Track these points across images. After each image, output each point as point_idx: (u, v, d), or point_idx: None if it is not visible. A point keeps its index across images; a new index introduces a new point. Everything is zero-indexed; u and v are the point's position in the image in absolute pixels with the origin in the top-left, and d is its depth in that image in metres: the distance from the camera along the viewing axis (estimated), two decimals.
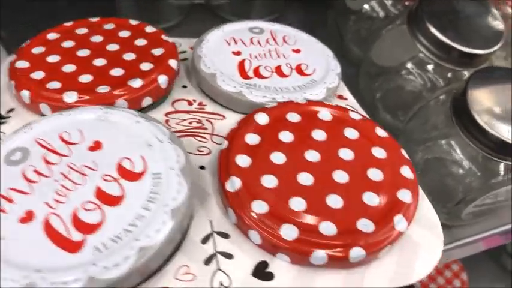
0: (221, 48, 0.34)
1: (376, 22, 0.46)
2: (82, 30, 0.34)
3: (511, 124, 0.33)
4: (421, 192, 0.28)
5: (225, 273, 0.23)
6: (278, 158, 0.26)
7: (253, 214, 0.23)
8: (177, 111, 0.31)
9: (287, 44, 0.36)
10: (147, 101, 0.30)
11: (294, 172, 0.25)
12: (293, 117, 0.29)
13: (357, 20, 0.48)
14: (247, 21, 0.37)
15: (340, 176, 0.25)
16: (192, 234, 0.24)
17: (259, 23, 0.37)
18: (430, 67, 0.40)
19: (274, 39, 0.36)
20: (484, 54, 0.38)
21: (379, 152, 0.27)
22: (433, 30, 0.37)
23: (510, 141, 0.33)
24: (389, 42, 0.44)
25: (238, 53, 0.34)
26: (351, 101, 0.34)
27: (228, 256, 0.23)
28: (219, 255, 0.23)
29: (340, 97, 0.35)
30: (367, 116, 0.32)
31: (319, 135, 0.28)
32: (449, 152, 0.38)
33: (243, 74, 0.32)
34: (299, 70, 0.33)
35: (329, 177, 0.25)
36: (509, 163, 0.35)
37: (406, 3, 0.46)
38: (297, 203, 0.24)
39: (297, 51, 0.35)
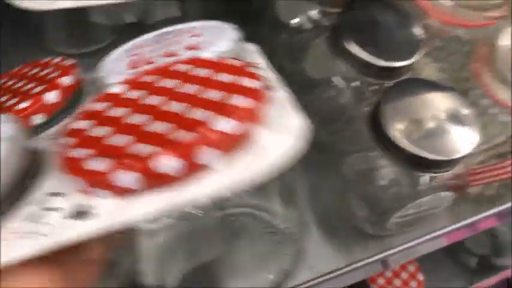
0: (120, 57, 0.34)
1: (305, 35, 0.46)
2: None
3: (424, 136, 0.34)
4: (289, 102, 0.26)
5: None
6: (117, 111, 0.26)
7: (72, 160, 0.24)
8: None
9: (189, 33, 0.35)
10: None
11: (127, 118, 0.25)
12: (147, 78, 0.29)
13: (289, 33, 0.48)
14: (158, 31, 0.37)
15: (175, 107, 0.25)
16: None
17: (169, 28, 0.37)
18: (355, 80, 0.41)
19: (177, 34, 0.36)
20: (404, 66, 0.38)
21: (225, 77, 0.27)
22: (351, 45, 0.37)
23: (422, 156, 0.33)
24: (317, 55, 0.44)
25: (134, 55, 0.34)
26: (261, 64, 0.32)
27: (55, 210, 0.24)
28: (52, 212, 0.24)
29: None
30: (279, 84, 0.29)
31: (167, 83, 0.28)
32: (373, 163, 0.39)
33: (132, 66, 0.32)
34: (193, 47, 0.32)
35: (163, 111, 0.25)
36: (427, 175, 0.35)
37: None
38: (120, 139, 0.24)
39: (196, 35, 0.34)
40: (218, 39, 0.33)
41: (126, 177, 0.22)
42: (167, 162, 0.22)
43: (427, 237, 0.41)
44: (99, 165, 0.23)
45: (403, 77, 0.39)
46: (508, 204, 0.44)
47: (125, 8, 0.52)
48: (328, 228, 0.42)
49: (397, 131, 0.34)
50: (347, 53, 0.38)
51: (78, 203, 0.24)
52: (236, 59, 0.29)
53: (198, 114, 0.24)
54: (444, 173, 0.35)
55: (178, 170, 0.22)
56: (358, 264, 0.41)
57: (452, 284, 0.95)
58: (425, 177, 0.36)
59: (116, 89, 0.28)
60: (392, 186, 0.38)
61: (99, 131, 0.25)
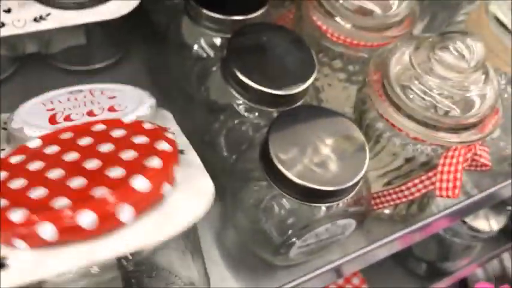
0: (36, 109, 0.35)
1: (209, 61, 0.45)
2: None
3: (313, 166, 0.33)
4: (200, 170, 0.29)
5: None
6: (35, 165, 0.27)
7: None
8: None
9: (104, 94, 0.36)
10: None
11: (45, 172, 0.26)
12: (66, 135, 0.30)
13: (193, 59, 0.47)
14: (68, 88, 0.38)
15: (92, 163, 0.26)
16: None
17: (82, 86, 0.38)
18: (252, 107, 0.40)
19: (92, 93, 0.37)
20: (297, 93, 0.37)
21: (139, 139, 0.28)
22: (239, 74, 0.36)
23: (310, 187, 0.32)
24: (218, 81, 0.43)
25: (51, 109, 0.35)
26: (174, 129, 0.35)
27: None
28: None
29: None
30: (192, 151, 0.32)
31: (84, 141, 0.29)
32: (269, 193, 0.38)
33: (52, 121, 0.33)
34: (111, 109, 0.34)
35: (79, 167, 0.26)
36: (320, 205, 0.34)
37: None
38: (37, 192, 0.25)
39: (113, 97, 0.36)
40: (136, 104, 0.35)
41: (42, 229, 0.23)
42: (83, 217, 0.23)
43: (323, 269, 0.40)
44: (15, 216, 0.23)
45: (299, 103, 0.38)
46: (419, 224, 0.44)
47: (27, 38, 0.50)
48: (235, 263, 0.41)
49: (286, 161, 0.33)
50: (236, 80, 0.37)
51: None
52: (151, 122, 0.30)
53: (114, 172, 0.25)
54: (338, 202, 0.35)
55: (93, 224, 0.23)
56: None
57: None
58: (321, 207, 0.35)
59: (33, 144, 0.29)
60: (290, 217, 0.37)
61: (16, 183, 0.26)
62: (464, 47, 0.35)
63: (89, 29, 0.50)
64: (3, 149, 0.34)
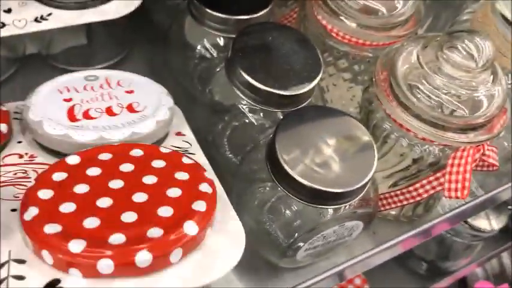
0: (52, 97, 0.35)
1: (213, 62, 0.45)
2: None
3: (319, 168, 0.33)
4: (228, 205, 0.31)
5: None
6: (81, 188, 0.28)
7: (44, 235, 0.25)
8: (5, 165, 0.32)
9: (121, 86, 0.37)
10: None
11: (94, 198, 0.27)
12: (105, 156, 0.31)
13: (198, 59, 0.46)
14: (83, 71, 0.38)
15: (140, 197, 0.28)
16: None
17: (96, 71, 0.38)
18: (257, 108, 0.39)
19: (109, 84, 0.37)
20: (302, 93, 0.37)
21: (181, 175, 0.30)
22: (245, 74, 0.36)
23: (317, 188, 0.32)
24: (222, 82, 0.42)
25: (69, 100, 0.35)
26: (188, 137, 0.37)
27: (20, 278, 0.25)
28: (10, 278, 0.25)
29: (179, 134, 0.37)
30: (201, 153, 0.35)
31: (126, 167, 0.30)
32: (276, 195, 0.37)
33: (72, 117, 0.33)
34: (130, 108, 0.34)
35: (128, 199, 0.28)
36: (326, 207, 0.34)
37: None
38: (91, 222, 0.26)
39: (131, 92, 0.36)
40: (154, 104, 0.35)
41: (102, 264, 0.25)
42: (140, 256, 0.25)
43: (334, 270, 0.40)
44: (75, 246, 0.25)
45: (304, 103, 0.38)
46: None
47: (27, 38, 0.49)
48: (240, 265, 0.40)
49: (292, 162, 0.33)
50: (242, 81, 0.36)
51: (48, 277, 0.25)
52: (187, 156, 0.32)
53: (164, 212, 0.27)
54: (346, 204, 0.34)
55: (147, 263, 0.25)
56: None
57: None
58: (327, 209, 0.35)
59: (72, 160, 0.30)
60: (296, 219, 0.36)
61: (66, 207, 0.27)
62: (472, 46, 0.35)
63: (90, 29, 0.49)
64: (19, 142, 0.34)
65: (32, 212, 0.27)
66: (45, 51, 0.49)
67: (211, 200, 0.29)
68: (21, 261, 0.26)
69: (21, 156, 0.33)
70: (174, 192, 0.29)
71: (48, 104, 0.34)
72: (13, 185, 0.31)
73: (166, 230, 0.26)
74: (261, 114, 0.39)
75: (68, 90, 0.35)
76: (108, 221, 0.26)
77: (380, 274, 0.89)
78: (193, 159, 0.32)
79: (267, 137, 0.38)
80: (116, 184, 0.29)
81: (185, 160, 0.32)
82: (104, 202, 0.27)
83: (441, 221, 0.46)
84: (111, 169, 0.30)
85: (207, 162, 0.34)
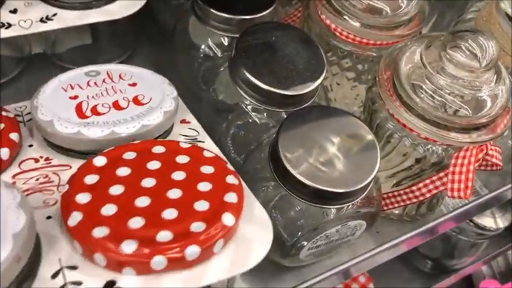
0: (58, 96, 0.35)
1: (217, 61, 0.45)
2: None
3: (322, 168, 0.33)
4: (251, 195, 0.32)
5: None
6: (116, 189, 0.29)
7: (94, 239, 0.26)
8: (24, 171, 0.32)
9: (123, 80, 0.37)
10: None
11: (132, 198, 0.28)
12: (129, 155, 0.31)
13: (201, 58, 0.47)
14: (83, 67, 0.38)
15: (174, 193, 0.29)
16: (42, 274, 0.26)
17: (95, 66, 0.38)
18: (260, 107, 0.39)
19: (111, 78, 0.37)
20: (305, 93, 0.37)
21: (207, 169, 0.31)
22: (248, 74, 0.36)
23: (320, 188, 0.32)
24: (226, 81, 0.43)
25: (75, 97, 0.35)
26: (194, 124, 0.38)
27: (77, 283, 0.26)
28: (69, 285, 0.26)
29: (184, 121, 0.38)
30: (210, 140, 0.36)
31: (154, 165, 0.31)
32: (279, 194, 0.37)
33: (81, 114, 0.33)
34: (136, 101, 0.35)
35: (164, 196, 0.29)
36: (329, 207, 0.34)
37: None
38: (135, 222, 0.27)
39: (134, 84, 0.37)
40: (159, 95, 0.36)
41: (155, 262, 0.26)
42: (189, 251, 0.26)
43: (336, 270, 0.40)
44: (127, 248, 0.26)
45: (308, 103, 0.38)
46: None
47: (33, 38, 0.50)
48: None
49: (295, 162, 0.33)
50: (246, 81, 0.37)
51: (104, 278, 0.26)
52: (208, 150, 0.33)
53: (200, 206, 0.29)
54: (348, 204, 0.34)
55: (196, 256, 0.27)
56: None
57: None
58: (330, 209, 0.35)
59: (99, 162, 0.31)
60: (299, 218, 0.36)
61: (108, 210, 0.28)
62: (476, 45, 0.35)
63: (95, 28, 0.49)
64: (30, 145, 0.34)
65: (76, 217, 0.27)
66: (50, 50, 0.50)
67: (239, 191, 0.30)
68: (73, 267, 0.27)
69: (37, 161, 0.33)
70: (204, 186, 0.30)
71: (55, 103, 0.34)
72: (39, 191, 0.31)
73: (208, 223, 0.28)
74: (265, 113, 0.40)
75: (72, 88, 0.36)
76: (151, 220, 0.27)
77: (385, 272, 0.89)
78: (213, 152, 0.33)
79: (270, 136, 0.38)
80: (149, 183, 0.30)
81: (206, 154, 0.33)
82: (142, 201, 0.28)
83: (445, 220, 0.46)
84: (140, 168, 0.30)
85: (218, 149, 0.35)
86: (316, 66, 0.38)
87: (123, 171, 0.30)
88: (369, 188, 0.34)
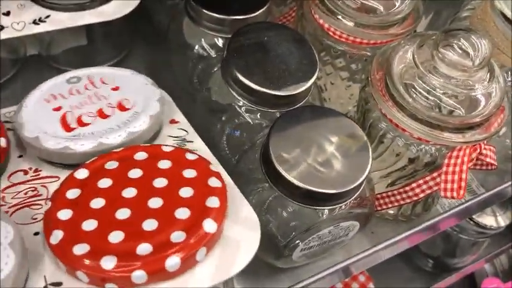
0: (41, 109, 0.34)
1: (209, 61, 0.45)
2: None
3: (314, 169, 0.33)
4: (238, 195, 0.32)
5: None
6: (97, 203, 0.29)
7: (75, 257, 0.26)
8: (13, 185, 0.32)
9: (106, 84, 0.37)
10: None
11: (112, 211, 0.28)
12: (111, 165, 0.31)
13: (195, 58, 0.46)
14: (64, 73, 0.38)
15: (155, 202, 0.29)
16: None
17: (77, 71, 0.38)
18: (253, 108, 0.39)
19: (93, 84, 0.37)
20: (297, 94, 0.37)
21: (189, 173, 0.31)
22: (239, 75, 0.36)
23: (312, 190, 0.32)
24: (219, 82, 0.43)
25: (59, 108, 0.35)
26: (183, 124, 0.37)
27: None
28: None
29: (173, 121, 0.37)
30: (199, 140, 0.36)
31: (135, 173, 0.31)
32: (271, 195, 0.37)
33: (66, 127, 0.33)
34: (121, 107, 0.35)
35: (145, 206, 0.29)
36: (321, 208, 0.34)
37: None
38: (115, 236, 0.27)
39: (116, 88, 0.36)
40: (143, 98, 0.35)
41: (136, 276, 0.26)
42: (169, 262, 0.26)
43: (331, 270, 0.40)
44: (107, 264, 0.26)
45: (301, 103, 0.38)
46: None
47: (28, 40, 0.50)
48: None
49: (287, 163, 0.33)
50: (237, 82, 0.36)
51: None
52: (191, 152, 0.33)
53: (181, 214, 0.28)
54: (341, 204, 0.34)
55: (177, 267, 0.26)
56: None
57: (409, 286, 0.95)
58: (323, 210, 0.35)
59: (81, 175, 0.30)
60: (292, 219, 0.36)
61: (89, 225, 0.28)
62: (468, 44, 0.35)
63: (90, 30, 0.49)
64: (20, 156, 0.34)
65: (57, 235, 0.27)
66: (45, 52, 0.50)
67: (222, 193, 0.30)
68: (58, 284, 0.27)
69: (26, 173, 0.33)
70: (186, 192, 0.30)
71: (39, 117, 0.34)
72: (28, 205, 0.31)
73: (188, 232, 0.27)
74: (258, 114, 0.39)
75: (55, 98, 0.35)
76: (131, 232, 0.27)
77: (385, 271, 0.88)
78: (197, 154, 0.32)
79: (263, 137, 0.38)
80: (130, 193, 0.29)
81: (189, 156, 0.32)
82: (123, 213, 0.28)
83: (442, 219, 0.46)
84: (121, 178, 0.30)
85: (207, 149, 0.35)
86: (309, 67, 0.38)
87: (104, 183, 0.30)
88: (361, 189, 0.34)
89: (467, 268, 0.97)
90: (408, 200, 0.38)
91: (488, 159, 0.36)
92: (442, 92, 0.35)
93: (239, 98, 0.37)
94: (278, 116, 0.38)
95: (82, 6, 0.42)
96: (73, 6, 0.41)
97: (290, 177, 0.32)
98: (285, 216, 0.37)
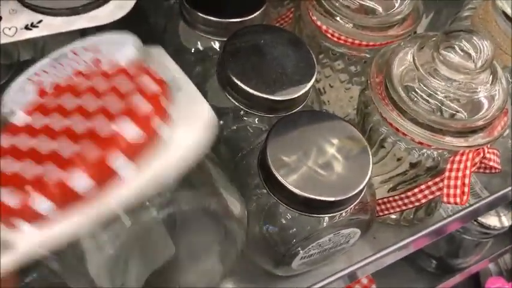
0: (24, 86, 0.33)
1: (206, 64, 0.44)
2: None
3: (312, 175, 0.32)
4: (194, 98, 0.28)
5: None
6: (14, 140, 0.25)
7: None
8: None
9: (88, 51, 0.34)
10: None
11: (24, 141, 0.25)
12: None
13: (192, 61, 0.46)
14: (54, 53, 0.35)
15: (72, 121, 0.25)
16: None
17: (64, 48, 0.35)
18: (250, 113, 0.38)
19: (75, 53, 0.34)
20: (295, 98, 0.36)
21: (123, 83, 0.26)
22: (235, 79, 0.35)
23: (311, 197, 0.31)
24: (216, 86, 0.42)
25: (39, 82, 0.33)
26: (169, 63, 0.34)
27: None
28: None
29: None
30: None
31: (69, 101, 0.27)
32: (270, 202, 0.36)
33: (42, 94, 0.31)
34: (97, 63, 0.31)
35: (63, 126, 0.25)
36: (320, 216, 0.33)
37: None
38: (22, 166, 0.23)
39: (98, 51, 0.33)
40: (120, 49, 0.32)
41: (41, 206, 0.22)
42: (74, 181, 0.22)
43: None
44: (9, 199, 0.22)
45: (299, 107, 0.37)
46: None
47: (21, 45, 0.49)
48: (237, 274, 0.40)
49: (284, 170, 0.32)
50: (234, 86, 0.36)
51: None
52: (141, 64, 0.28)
53: (97, 122, 0.23)
54: (341, 211, 0.33)
55: (90, 185, 0.22)
56: None
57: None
58: (323, 217, 0.34)
59: (16, 120, 0.28)
60: (291, 227, 0.35)
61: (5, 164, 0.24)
62: (470, 45, 0.34)
63: (84, 33, 0.48)
64: None
65: None
66: (39, 57, 0.49)
67: (156, 98, 0.25)
68: None
69: None
70: (112, 103, 0.25)
71: (19, 92, 0.32)
72: None
73: (98, 143, 0.23)
74: (256, 118, 0.39)
75: (38, 75, 0.34)
76: (37, 159, 0.23)
77: (388, 270, 0.88)
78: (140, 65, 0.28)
79: (261, 142, 0.37)
80: (47, 120, 0.26)
81: (126, 67, 0.28)
82: (32, 142, 0.25)
83: (446, 224, 0.45)
84: (47, 108, 0.28)
85: (195, 88, 0.31)
86: (306, 70, 0.37)
87: (28, 118, 0.28)
88: (361, 196, 0.33)
89: (470, 268, 0.96)
90: (410, 206, 0.38)
91: (492, 163, 0.36)
92: (443, 95, 0.34)
93: (235, 102, 0.36)
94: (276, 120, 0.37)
95: (75, 10, 0.41)
96: (66, 11, 0.41)
97: (288, 184, 0.31)
98: (284, 223, 0.36)
